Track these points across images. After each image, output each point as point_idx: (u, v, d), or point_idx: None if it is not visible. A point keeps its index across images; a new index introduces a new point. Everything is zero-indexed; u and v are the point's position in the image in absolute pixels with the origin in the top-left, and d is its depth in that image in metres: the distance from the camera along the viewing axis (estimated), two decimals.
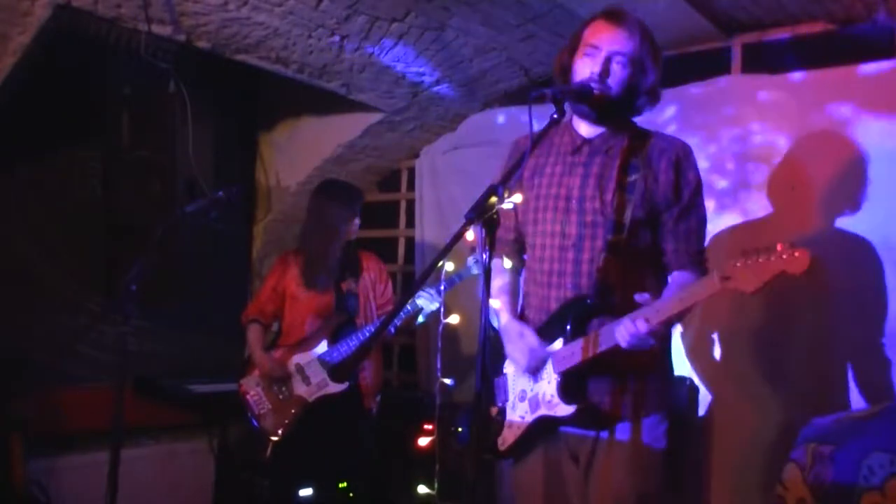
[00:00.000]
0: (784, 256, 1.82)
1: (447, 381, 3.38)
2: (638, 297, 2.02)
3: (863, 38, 3.22)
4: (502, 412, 2.31)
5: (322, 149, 4.41)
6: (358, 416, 3.57)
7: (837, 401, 2.94)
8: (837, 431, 2.44)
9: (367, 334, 3.46)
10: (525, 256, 2.42)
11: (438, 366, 3.36)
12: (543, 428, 2.22)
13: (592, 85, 2.13)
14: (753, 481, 3.11)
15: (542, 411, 2.20)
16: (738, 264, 1.88)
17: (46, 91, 3.60)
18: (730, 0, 3.25)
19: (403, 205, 4.78)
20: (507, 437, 2.28)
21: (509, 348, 2.27)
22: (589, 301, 2.16)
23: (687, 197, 2.20)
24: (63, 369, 3.87)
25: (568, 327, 2.17)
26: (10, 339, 3.64)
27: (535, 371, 2.23)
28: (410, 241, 4.68)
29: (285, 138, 4.61)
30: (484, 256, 1.81)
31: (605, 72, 2.14)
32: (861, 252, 2.99)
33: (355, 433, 3.57)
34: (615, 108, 2.19)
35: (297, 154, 4.53)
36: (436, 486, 3.32)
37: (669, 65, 3.59)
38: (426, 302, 3.42)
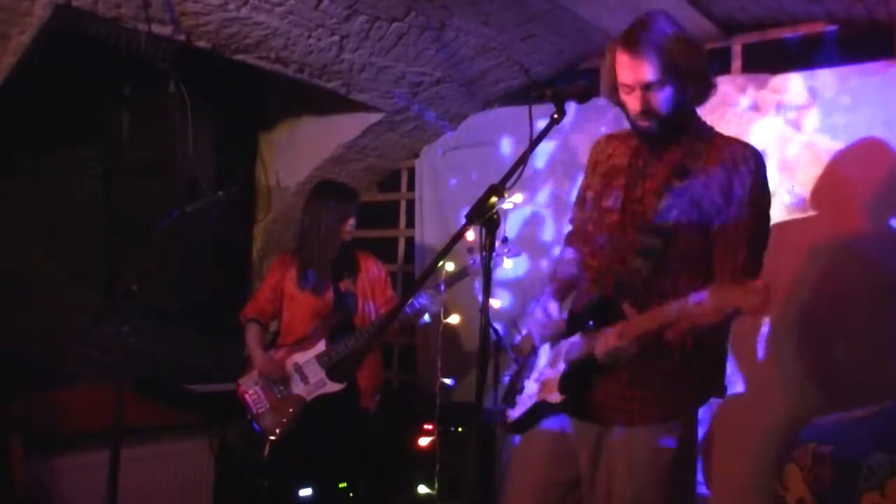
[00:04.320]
0: (747, 293, 1.77)
1: (447, 381, 3.39)
2: (626, 308, 2.01)
3: (863, 38, 3.22)
4: (521, 388, 2.36)
5: (322, 149, 4.41)
6: (356, 415, 3.58)
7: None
8: (837, 431, 2.44)
9: (366, 334, 3.46)
10: None
11: (438, 366, 3.37)
12: (542, 411, 2.26)
13: (639, 123, 2.15)
14: (754, 481, 3.11)
15: (542, 395, 2.24)
16: (711, 290, 1.83)
17: (46, 91, 3.60)
18: (730, 0, 3.25)
19: (403, 205, 4.78)
20: (514, 413, 2.34)
21: (532, 320, 2.32)
22: (612, 302, 2.15)
23: (738, 202, 2.08)
24: (63, 369, 3.86)
25: (590, 322, 2.18)
26: (10, 339, 3.64)
27: (543, 340, 2.30)
28: (410, 241, 4.68)
29: (285, 138, 4.61)
30: (484, 256, 1.81)
31: (645, 109, 2.11)
32: None
33: (354, 432, 3.57)
34: (670, 124, 2.16)
35: (297, 154, 4.53)
36: (436, 486, 3.32)
37: None
38: (429, 302, 3.42)
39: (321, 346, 3.49)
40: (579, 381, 2.18)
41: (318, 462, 3.49)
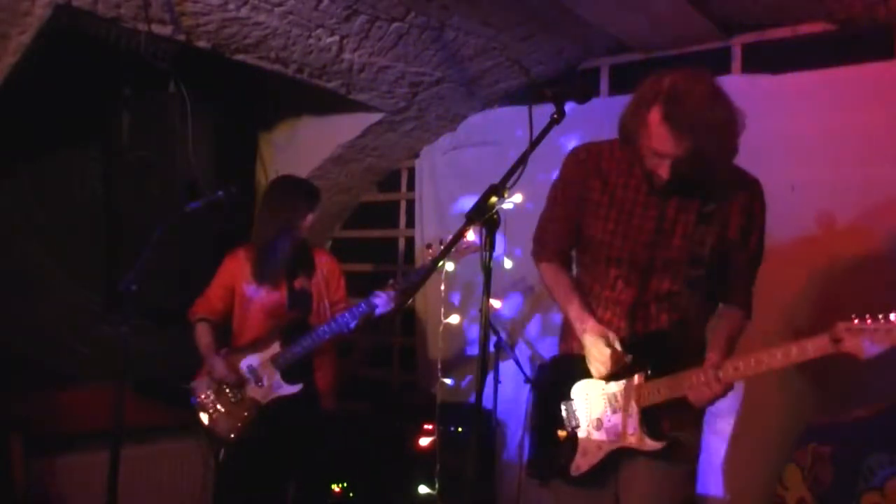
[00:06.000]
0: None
1: (447, 381, 3.39)
2: (712, 355, 2.11)
3: (863, 38, 3.22)
4: (572, 438, 2.32)
5: (322, 149, 4.41)
6: (315, 416, 3.45)
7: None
8: (837, 431, 2.44)
9: (322, 335, 3.32)
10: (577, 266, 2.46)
11: (438, 366, 3.37)
12: (620, 457, 2.26)
13: (662, 181, 2.17)
14: (754, 481, 3.11)
15: (625, 443, 2.22)
16: (852, 328, 1.85)
17: (46, 91, 3.60)
18: (730, 0, 3.25)
19: (403, 205, 4.78)
20: (580, 464, 2.29)
21: (593, 352, 2.24)
22: (667, 340, 2.22)
23: (753, 242, 2.28)
24: (63, 369, 3.86)
25: (649, 370, 2.20)
26: (10, 339, 3.64)
27: (611, 378, 2.24)
28: (410, 241, 4.68)
29: (285, 138, 4.61)
30: (484, 256, 1.81)
31: (673, 177, 2.13)
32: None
33: (312, 434, 3.46)
34: (691, 184, 2.21)
35: (297, 154, 4.53)
36: (436, 486, 3.33)
37: (670, 65, 3.58)
38: (382, 301, 3.27)
39: (275, 348, 3.35)
40: (660, 423, 2.20)
41: (276, 464, 3.39)
